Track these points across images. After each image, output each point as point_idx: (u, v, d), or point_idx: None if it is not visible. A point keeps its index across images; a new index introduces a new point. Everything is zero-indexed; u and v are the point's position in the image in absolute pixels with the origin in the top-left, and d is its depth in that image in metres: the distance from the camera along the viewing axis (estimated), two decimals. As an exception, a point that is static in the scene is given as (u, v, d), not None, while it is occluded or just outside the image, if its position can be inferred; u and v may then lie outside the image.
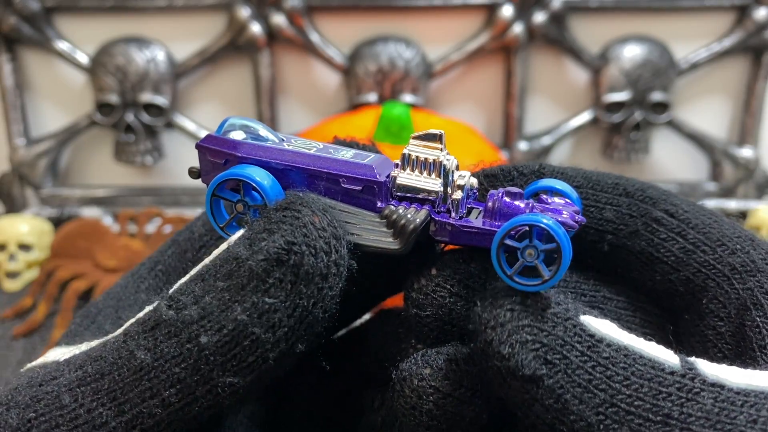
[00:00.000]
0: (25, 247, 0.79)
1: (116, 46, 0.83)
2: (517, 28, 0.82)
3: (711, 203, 0.88)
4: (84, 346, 0.24)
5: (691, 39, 0.85)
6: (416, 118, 0.70)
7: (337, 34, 0.84)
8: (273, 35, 0.83)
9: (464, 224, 0.24)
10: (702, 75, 0.88)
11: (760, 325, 0.24)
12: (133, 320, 0.22)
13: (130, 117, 0.84)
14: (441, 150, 0.25)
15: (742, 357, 0.24)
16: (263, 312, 0.20)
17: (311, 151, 0.25)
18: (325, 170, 0.24)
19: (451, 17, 0.84)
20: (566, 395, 0.19)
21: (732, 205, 0.88)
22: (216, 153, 0.25)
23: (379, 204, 0.24)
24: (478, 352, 0.21)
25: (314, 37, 0.83)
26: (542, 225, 0.22)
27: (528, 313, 0.21)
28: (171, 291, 0.22)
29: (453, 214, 0.24)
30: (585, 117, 0.87)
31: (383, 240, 0.24)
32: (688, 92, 0.88)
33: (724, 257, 0.26)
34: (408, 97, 0.82)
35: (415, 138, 0.25)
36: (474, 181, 0.25)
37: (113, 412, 0.21)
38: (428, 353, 0.24)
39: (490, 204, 0.24)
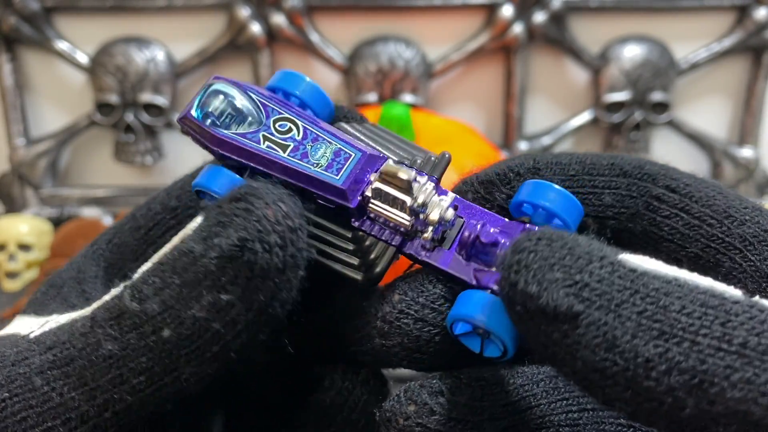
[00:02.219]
0: (25, 247, 0.79)
1: (116, 46, 0.83)
2: (517, 28, 0.82)
3: (711, 203, 0.88)
4: (53, 319, 0.24)
5: (691, 39, 0.85)
6: (416, 118, 0.70)
7: (337, 34, 0.84)
8: (273, 35, 0.83)
9: (432, 263, 0.23)
10: (702, 75, 0.88)
11: None
12: (100, 303, 0.22)
13: (129, 117, 0.84)
14: (410, 197, 0.23)
15: None
16: (220, 308, 0.20)
17: (286, 153, 0.24)
18: (297, 184, 0.24)
19: (451, 17, 0.84)
20: (614, 331, 0.17)
21: (732, 205, 0.88)
22: (197, 139, 0.25)
23: (353, 220, 0.24)
24: (505, 301, 0.19)
25: (314, 37, 0.83)
26: (473, 321, 0.21)
27: (556, 253, 0.19)
28: (134, 278, 0.22)
29: (423, 251, 0.23)
30: (585, 117, 0.87)
31: (348, 267, 0.24)
32: (688, 92, 0.88)
33: (732, 229, 0.24)
34: (408, 97, 0.82)
35: (384, 176, 0.24)
36: (450, 212, 0.24)
37: (85, 396, 0.21)
38: (411, 388, 0.22)
39: (466, 234, 0.23)
